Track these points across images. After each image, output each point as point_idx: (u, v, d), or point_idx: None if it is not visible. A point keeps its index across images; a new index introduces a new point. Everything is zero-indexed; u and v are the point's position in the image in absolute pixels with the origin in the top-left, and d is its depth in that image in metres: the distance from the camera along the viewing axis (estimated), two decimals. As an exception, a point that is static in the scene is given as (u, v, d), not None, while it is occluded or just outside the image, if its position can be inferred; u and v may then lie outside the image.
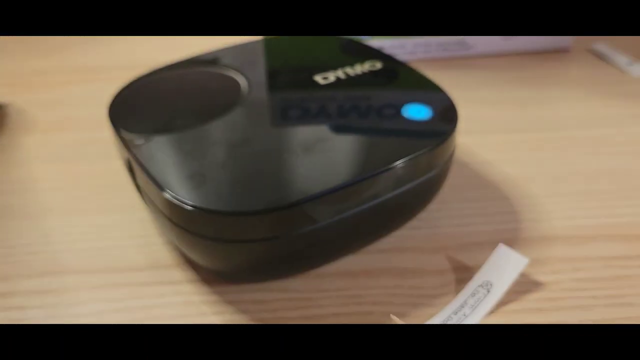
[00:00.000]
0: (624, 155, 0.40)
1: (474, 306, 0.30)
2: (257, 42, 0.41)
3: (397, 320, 0.28)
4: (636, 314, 0.30)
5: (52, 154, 0.42)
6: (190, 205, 0.28)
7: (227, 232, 0.28)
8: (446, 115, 0.33)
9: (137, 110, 0.35)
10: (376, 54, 0.39)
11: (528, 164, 0.39)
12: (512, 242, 0.33)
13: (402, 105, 0.33)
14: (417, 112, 0.33)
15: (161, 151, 0.31)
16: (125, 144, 0.32)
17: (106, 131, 0.39)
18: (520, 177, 0.38)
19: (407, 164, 0.30)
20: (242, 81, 0.36)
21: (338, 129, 0.32)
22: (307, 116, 0.33)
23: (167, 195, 0.28)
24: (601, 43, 0.52)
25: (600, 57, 0.51)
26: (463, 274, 0.32)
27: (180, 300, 0.31)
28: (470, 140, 0.41)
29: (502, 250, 0.32)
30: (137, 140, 0.32)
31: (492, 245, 0.33)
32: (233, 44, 0.41)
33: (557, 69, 0.50)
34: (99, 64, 0.53)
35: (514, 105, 0.45)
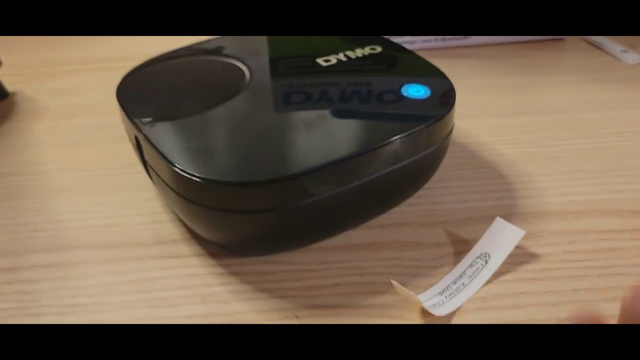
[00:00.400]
0: (618, 136, 0.41)
1: (472, 276, 0.31)
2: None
3: (398, 286, 0.29)
4: (628, 282, 0.31)
5: (61, 138, 0.43)
6: (195, 177, 0.29)
7: (231, 203, 0.29)
8: (444, 95, 0.34)
9: (144, 92, 0.36)
10: (377, 39, 0.40)
11: (524, 145, 0.40)
12: (508, 217, 0.34)
13: (401, 85, 0.35)
14: (415, 91, 0.34)
15: (168, 129, 0.32)
16: (133, 122, 0.33)
17: (113, 117, 0.40)
18: (516, 157, 0.39)
19: (405, 140, 0.31)
20: (246, 64, 0.37)
21: (338, 107, 0.33)
22: (309, 96, 0.34)
23: (173, 168, 0.29)
24: (596, 32, 0.53)
25: (595, 45, 0.52)
26: (461, 246, 0.33)
27: (187, 273, 0.32)
28: (468, 123, 0.43)
29: (500, 223, 0.33)
30: (145, 118, 0.33)
31: (489, 220, 0.34)
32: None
33: (553, 56, 0.51)
34: (105, 55, 0.54)
35: (511, 90, 0.46)
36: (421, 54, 0.38)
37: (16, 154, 0.42)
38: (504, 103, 0.45)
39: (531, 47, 0.53)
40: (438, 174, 0.37)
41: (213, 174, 0.29)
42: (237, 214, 0.30)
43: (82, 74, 0.51)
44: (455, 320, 0.29)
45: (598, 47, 0.52)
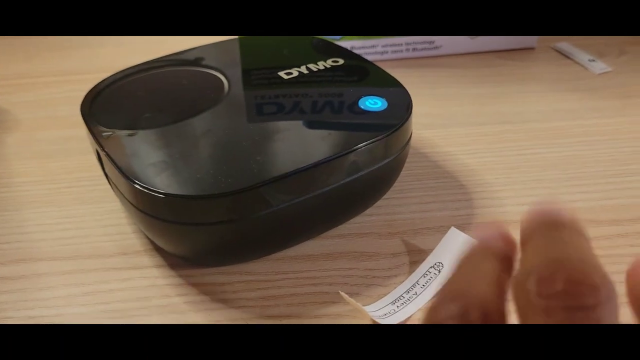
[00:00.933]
0: (580, 145, 0.41)
1: (425, 286, 0.31)
2: (232, 40, 0.43)
3: (346, 297, 0.30)
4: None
5: (31, 150, 0.44)
6: (151, 190, 0.29)
7: (186, 216, 0.30)
8: (401, 106, 0.35)
9: (107, 105, 0.37)
10: (341, 51, 0.41)
11: (487, 155, 0.41)
12: (465, 227, 0.35)
13: (359, 97, 0.35)
14: (373, 103, 0.35)
15: (127, 143, 0.33)
16: (95, 136, 0.33)
17: (82, 130, 0.40)
18: (478, 167, 0.40)
19: (361, 151, 0.32)
20: (221, 75, 0.38)
21: (296, 119, 0.34)
22: (268, 109, 0.35)
23: (129, 181, 0.30)
24: (564, 41, 0.54)
25: (564, 54, 0.53)
26: (416, 256, 0.33)
27: (146, 284, 0.33)
28: (433, 133, 0.43)
29: (453, 233, 0.33)
30: (106, 132, 0.33)
31: (446, 230, 0.34)
32: (205, 43, 0.42)
33: (521, 66, 0.52)
34: (79, 68, 0.55)
35: (479, 100, 0.47)
36: (391, 64, 0.39)
37: (-13, 167, 0.42)
38: (471, 113, 0.45)
39: (501, 56, 0.53)
40: (398, 184, 0.38)
41: (168, 188, 0.29)
42: (193, 226, 0.30)
43: (56, 86, 0.52)
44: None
45: (567, 56, 0.52)
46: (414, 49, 0.52)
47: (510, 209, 0.36)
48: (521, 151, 0.41)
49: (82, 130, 0.41)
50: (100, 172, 0.38)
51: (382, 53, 0.52)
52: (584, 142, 0.42)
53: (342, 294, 0.30)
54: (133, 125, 0.34)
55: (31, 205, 0.38)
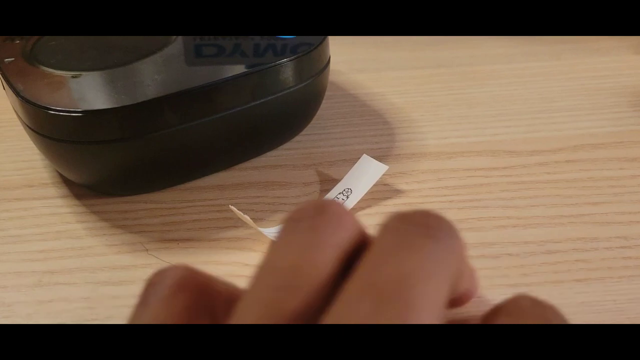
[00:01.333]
0: (510, 86, 0.40)
1: None
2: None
3: (236, 211, 0.29)
4: (488, 214, 0.30)
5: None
6: (38, 106, 0.28)
7: (77, 134, 0.29)
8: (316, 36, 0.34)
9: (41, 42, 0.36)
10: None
11: (416, 95, 0.40)
12: (382, 158, 0.34)
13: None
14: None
15: (26, 67, 0.32)
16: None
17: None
18: (406, 106, 0.39)
19: (268, 72, 0.31)
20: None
21: (195, 41, 0.33)
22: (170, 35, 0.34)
23: (19, 98, 0.29)
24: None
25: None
26: (328, 185, 0.33)
27: (47, 212, 0.32)
28: (365, 77, 0.42)
29: (364, 160, 0.32)
30: (8, 59, 0.32)
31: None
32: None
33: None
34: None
35: (414, 47, 0.46)
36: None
37: None
38: (406, 57, 0.45)
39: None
40: (321, 122, 0.37)
41: (56, 104, 0.28)
42: (85, 145, 0.29)
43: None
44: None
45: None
46: None
47: (430, 142, 0.35)
48: (451, 91, 0.40)
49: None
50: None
51: None
52: (515, 83, 0.41)
53: (232, 208, 0.29)
54: (38, 54, 0.33)
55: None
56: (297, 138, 0.36)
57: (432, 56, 0.45)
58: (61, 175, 0.34)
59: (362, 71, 0.43)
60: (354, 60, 0.44)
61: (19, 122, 0.36)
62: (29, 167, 0.35)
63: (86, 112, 0.28)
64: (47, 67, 0.31)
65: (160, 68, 0.31)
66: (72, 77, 0.30)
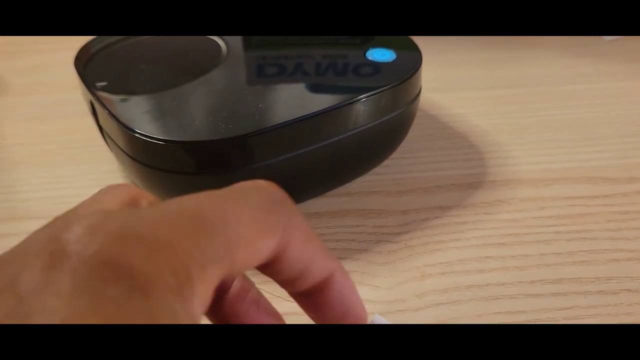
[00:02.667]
0: (591, 108, 0.40)
1: None
2: None
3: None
4: (599, 247, 0.30)
5: (22, 114, 0.42)
6: (147, 137, 0.28)
7: (184, 164, 0.28)
8: (410, 59, 0.33)
9: (102, 59, 0.35)
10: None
11: (497, 117, 0.39)
12: (477, 184, 0.33)
13: (367, 49, 0.33)
14: (381, 55, 0.33)
15: (124, 93, 0.31)
16: (88, 87, 0.32)
17: (76, 93, 0.39)
18: (489, 128, 0.38)
19: (367, 102, 0.30)
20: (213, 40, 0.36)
21: (301, 70, 0.32)
22: (273, 58, 0.33)
23: (125, 129, 0.28)
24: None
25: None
26: (428, 213, 0.32)
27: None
28: (442, 97, 0.42)
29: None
30: (100, 82, 0.32)
31: (457, 188, 0.33)
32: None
33: (530, 33, 0.50)
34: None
35: (487, 65, 0.45)
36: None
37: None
38: (479, 77, 0.44)
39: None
40: (407, 145, 0.36)
41: (165, 134, 0.28)
42: (191, 176, 0.29)
43: (49, 53, 0.50)
44: (419, 286, 0.28)
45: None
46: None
47: (523, 167, 0.35)
48: (532, 113, 0.40)
49: (74, 94, 0.39)
50: (94, 134, 0.36)
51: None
52: (597, 105, 0.40)
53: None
54: (128, 76, 0.32)
55: (22, 166, 0.37)
56: (385, 162, 0.35)
57: (504, 75, 0.44)
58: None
59: (437, 91, 0.42)
60: (426, 80, 0.44)
61: (93, 144, 0.36)
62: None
63: (199, 144, 0.27)
64: (127, 92, 0.31)
65: (266, 94, 0.30)
66: (155, 101, 0.30)
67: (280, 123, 0.28)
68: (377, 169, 0.35)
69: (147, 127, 0.28)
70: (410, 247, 0.30)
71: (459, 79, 0.44)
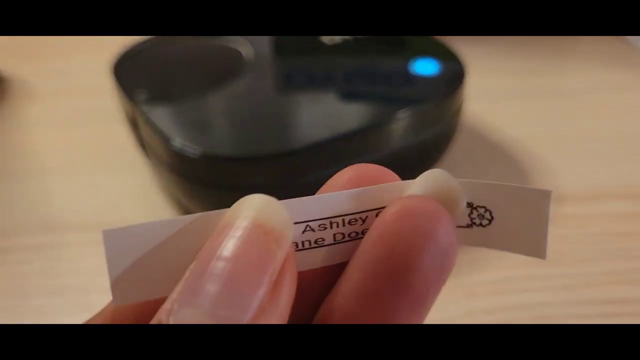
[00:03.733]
0: (630, 118, 0.39)
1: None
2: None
3: None
4: (645, 266, 0.29)
5: (53, 120, 0.42)
6: (193, 152, 0.27)
7: (230, 178, 0.28)
8: (453, 72, 0.33)
9: (140, 70, 0.35)
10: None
11: (535, 127, 0.39)
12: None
13: (409, 61, 0.33)
14: (423, 68, 0.33)
15: (165, 105, 0.31)
16: (130, 99, 0.32)
17: (106, 98, 0.38)
18: (528, 140, 0.38)
19: (411, 117, 0.30)
20: (248, 42, 0.36)
21: (344, 83, 0.32)
22: (314, 73, 0.33)
23: (173, 144, 0.28)
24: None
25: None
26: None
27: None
28: (479, 106, 0.41)
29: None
30: (142, 95, 0.31)
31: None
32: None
33: (568, 41, 0.50)
34: (99, 37, 0.53)
35: (524, 74, 0.45)
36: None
37: (7, 136, 0.40)
38: (516, 86, 0.44)
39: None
40: (448, 157, 0.36)
41: (212, 149, 0.27)
42: (234, 191, 0.28)
43: (73, 58, 0.50)
44: (464, 304, 0.28)
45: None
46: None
47: (566, 182, 0.34)
48: (571, 124, 0.39)
49: (104, 99, 0.39)
50: (126, 141, 0.36)
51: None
52: (636, 115, 0.40)
53: None
54: (169, 88, 0.32)
55: (54, 173, 0.37)
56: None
57: (541, 84, 0.44)
58: (185, 211, 0.33)
59: (476, 100, 0.41)
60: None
61: (125, 151, 0.35)
62: (146, 200, 0.34)
63: (245, 158, 0.27)
64: (170, 103, 0.30)
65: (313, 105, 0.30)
66: (199, 111, 0.30)
67: (327, 138, 0.28)
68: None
69: (194, 140, 0.28)
70: (455, 265, 0.30)
71: (494, 88, 0.43)
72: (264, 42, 0.36)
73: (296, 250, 0.14)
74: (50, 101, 0.44)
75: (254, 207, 0.13)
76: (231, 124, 0.30)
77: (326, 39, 0.36)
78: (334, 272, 0.14)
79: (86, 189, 0.35)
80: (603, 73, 0.45)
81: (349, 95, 0.31)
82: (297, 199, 0.14)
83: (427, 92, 0.31)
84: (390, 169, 0.29)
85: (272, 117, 0.30)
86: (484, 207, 0.15)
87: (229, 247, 0.12)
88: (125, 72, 0.34)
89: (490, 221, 0.15)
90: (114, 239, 0.13)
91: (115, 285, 0.13)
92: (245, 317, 0.12)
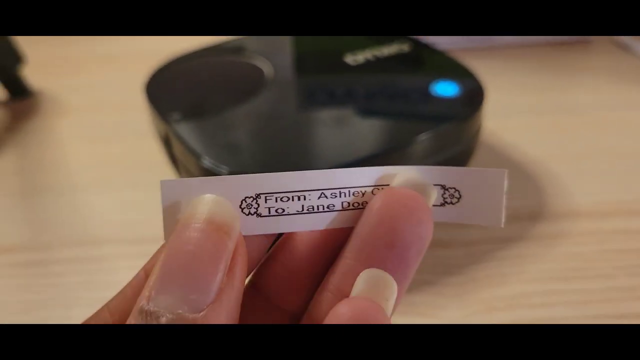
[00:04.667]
0: (645, 136, 0.40)
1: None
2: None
3: None
4: (660, 283, 0.30)
5: (84, 135, 0.43)
6: (223, 170, 0.29)
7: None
8: (473, 93, 0.34)
9: (171, 89, 0.36)
10: (403, 37, 0.40)
11: (550, 144, 0.40)
12: (538, 216, 0.34)
13: (429, 83, 0.34)
14: (444, 89, 0.34)
15: (197, 124, 0.32)
16: (163, 118, 0.33)
17: (136, 113, 0.40)
18: (544, 157, 0.39)
19: (433, 139, 0.31)
20: (271, 62, 0.37)
21: (366, 106, 0.33)
22: (337, 94, 0.34)
23: (205, 162, 0.29)
24: (622, 34, 0.53)
25: (622, 47, 0.52)
26: (492, 244, 0.33)
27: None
28: (495, 123, 0.42)
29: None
30: (174, 114, 0.33)
31: (517, 219, 0.33)
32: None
33: (579, 58, 0.51)
34: (127, 51, 0.54)
35: (536, 91, 0.46)
36: (446, 53, 0.38)
37: (41, 151, 0.42)
38: (530, 102, 0.45)
39: (557, 49, 0.52)
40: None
41: (238, 168, 0.29)
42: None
43: (103, 70, 0.51)
44: (484, 318, 0.29)
45: (625, 49, 0.51)
46: (469, 40, 0.52)
47: (580, 199, 0.36)
48: (585, 141, 0.40)
49: (133, 114, 0.41)
50: (157, 157, 0.37)
51: (436, 44, 0.51)
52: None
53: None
54: (201, 108, 0.33)
55: (88, 189, 0.38)
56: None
57: (556, 101, 0.45)
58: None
59: (490, 117, 0.43)
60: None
61: (157, 167, 0.37)
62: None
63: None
64: (204, 124, 0.32)
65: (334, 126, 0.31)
66: (227, 130, 0.31)
67: (347, 163, 0.29)
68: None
69: (222, 160, 0.29)
70: (475, 279, 0.31)
71: (509, 104, 0.45)
72: (286, 60, 0.37)
73: (314, 213, 0.17)
74: (82, 116, 0.46)
75: (206, 206, 0.16)
76: (256, 143, 0.31)
77: (349, 59, 0.37)
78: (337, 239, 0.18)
79: (120, 204, 0.36)
80: (616, 89, 0.46)
81: (369, 116, 0.32)
82: (312, 170, 0.17)
83: (448, 113, 0.32)
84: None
85: (295, 138, 0.31)
86: (454, 187, 0.18)
87: (190, 241, 0.15)
88: (157, 91, 0.36)
89: (459, 199, 0.18)
90: (169, 189, 0.16)
91: (167, 227, 0.16)
92: (210, 298, 0.15)
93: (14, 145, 0.43)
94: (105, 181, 0.38)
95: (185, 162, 0.32)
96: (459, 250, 0.33)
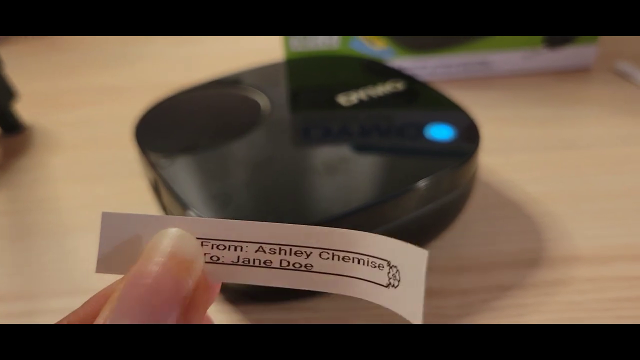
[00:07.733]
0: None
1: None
2: (278, 63, 0.42)
3: None
4: (662, 335, 0.29)
5: (76, 173, 0.43)
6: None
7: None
8: (468, 136, 0.33)
9: (162, 131, 0.35)
10: (397, 74, 0.39)
11: (549, 182, 0.39)
12: (535, 260, 0.33)
13: (424, 126, 0.34)
14: (439, 132, 0.33)
15: (187, 171, 0.31)
16: (152, 165, 0.32)
17: (130, 150, 0.39)
18: (542, 195, 0.38)
19: (429, 185, 0.30)
20: (264, 102, 0.37)
21: (360, 150, 0.32)
22: (330, 138, 0.34)
23: (192, 214, 0.29)
24: (624, 62, 0.52)
25: (623, 76, 0.51)
26: (488, 294, 0.32)
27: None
28: (492, 159, 0.42)
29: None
30: (163, 161, 0.32)
31: (515, 265, 0.33)
32: (253, 65, 0.41)
33: (578, 88, 0.50)
34: (121, 84, 0.54)
35: (535, 124, 0.45)
36: (442, 85, 0.37)
37: (31, 190, 0.41)
38: (529, 136, 0.44)
39: (556, 78, 0.51)
40: (462, 215, 0.36)
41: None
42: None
43: (97, 105, 0.51)
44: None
45: (625, 77, 0.51)
46: (465, 70, 0.51)
47: (580, 242, 0.35)
48: (585, 178, 0.39)
49: (128, 152, 0.40)
50: (149, 198, 0.37)
51: (432, 74, 0.51)
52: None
53: None
54: (191, 153, 0.33)
55: (78, 231, 0.37)
56: (441, 235, 0.35)
57: (556, 135, 0.44)
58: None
59: (488, 152, 0.42)
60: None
61: (150, 207, 0.36)
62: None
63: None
64: (194, 172, 0.31)
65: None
66: (218, 177, 0.30)
67: (342, 213, 0.29)
68: (432, 242, 0.35)
69: (212, 211, 0.29)
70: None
71: (508, 138, 0.44)
72: (282, 101, 0.37)
73: (249, 266, 0.17)
74: (75, 152, 0.45)
75: (171, 240, 0.16)
76: (248, 194, 0.30)
77: (342, 100, 0.36)
78: None
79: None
80: (618, 121, 0.45)
81: (364, 162, 0.32)
82: (254, 222, 0.17)
83: (443, 159, 0.31)
84: (406, 235, 0.30)
85: (288, 188, 0.30)
86: (396, 267, 0.16)
87: (150, 275, 0.15)
88: (146, 134, 0.35)
89: (399, 282, 0.16)
90: (109, 221, 0.17)
91: (101, 259, 0.17)
92: None
93: (4, 184, 0.42)
94: (95, 224, 0.38)
95: (174, 211, 0.31)
96: (453, 300, 0.32)
